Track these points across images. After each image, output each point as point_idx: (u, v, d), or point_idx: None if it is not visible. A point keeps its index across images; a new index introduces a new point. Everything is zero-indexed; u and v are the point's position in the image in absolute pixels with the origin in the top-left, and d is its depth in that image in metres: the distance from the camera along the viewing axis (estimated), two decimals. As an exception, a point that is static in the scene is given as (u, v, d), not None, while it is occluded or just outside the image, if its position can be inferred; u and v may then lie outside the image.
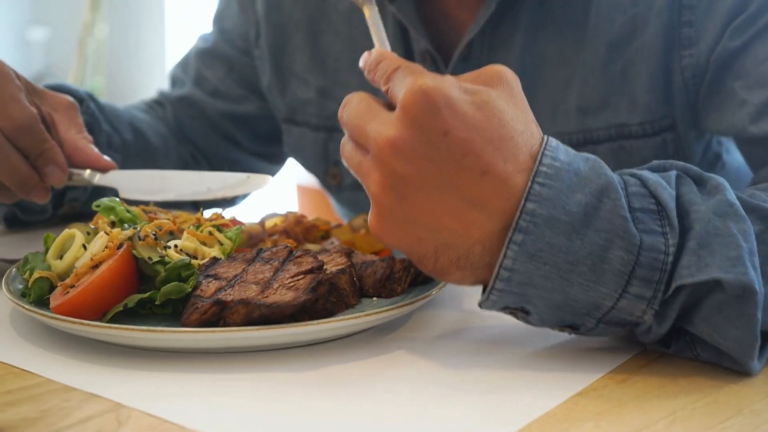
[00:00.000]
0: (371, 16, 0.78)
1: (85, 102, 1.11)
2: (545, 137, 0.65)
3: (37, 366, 0.67)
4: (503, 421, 0.58)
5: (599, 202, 0.63)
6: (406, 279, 0.79)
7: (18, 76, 0.90)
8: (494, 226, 0.63)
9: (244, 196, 0.90)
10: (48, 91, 0.96)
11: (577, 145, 1.03)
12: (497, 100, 0.64)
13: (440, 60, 1.06)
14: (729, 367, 0.66)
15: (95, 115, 1.12)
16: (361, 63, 0.72)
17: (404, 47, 1.09)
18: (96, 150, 0.95)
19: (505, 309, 0.67)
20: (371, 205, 0.66)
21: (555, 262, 0.63)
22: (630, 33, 0.99)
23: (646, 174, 0.67)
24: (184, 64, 1.35)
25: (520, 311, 0.66)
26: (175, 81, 1.35)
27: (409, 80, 0.63)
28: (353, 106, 0.67)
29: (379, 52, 0.71)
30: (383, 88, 0.68)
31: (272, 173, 1.36)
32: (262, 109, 1.28)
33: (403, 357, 0.70)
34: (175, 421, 0.58)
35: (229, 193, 0.90)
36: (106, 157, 0.95)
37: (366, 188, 0.66)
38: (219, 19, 1.32)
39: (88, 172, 0.94)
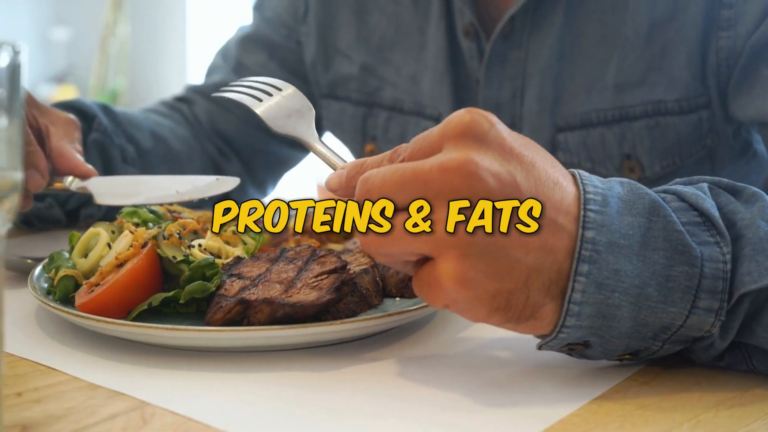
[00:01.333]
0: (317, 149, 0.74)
1: (97, 119, 1.12)
2: (572, 170, 0.63)
3: (63, 364, 0.67)
4: (526, 423, 0.58)
5: (650, 221, 0.61)
6: None
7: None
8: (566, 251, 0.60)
9: (215, 197, 0.90)
10: (51, 108, 0.97)
11: (612, 122, 1.03)
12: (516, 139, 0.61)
13: (483, 35, 1.07)
14: None
15: (107, 131, 1.13)
16: (328, 184, 0.67)
17: (447, 23, 1.10)
18: (79, 158, 0.95)
19: (566, 347, 0.64)
20: (444, 259, 0.58)
21: (623, 289, 0.60)
22: (672, 12, 1.01)
23: (680, 188, 0.65)
24: (223, 53, 1.35)
25: (580, 346, 0.64)
26: (212, 70, 1.35)
27: (443, 124, 0.60)
28: (382, 171, 0.60)
29: (350, 164, 0.66)
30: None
31: (300, 160, 1.37)
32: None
33: (424, 358, 0.70)
34: (199, 420, 0.58)
35: (196, 195, 0.90)
36: (88, 166, 0.95)
37: (443, 231, 0.58)
38: (259, 6, 1.33)
39: (68, 179, 0.95)
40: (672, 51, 1.01)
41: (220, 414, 0.59)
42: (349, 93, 1.21)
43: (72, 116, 0.98)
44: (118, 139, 1.15)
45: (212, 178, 0.92)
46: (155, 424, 0.58)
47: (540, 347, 0.64)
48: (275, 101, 0.78)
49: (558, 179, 0.61)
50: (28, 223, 1.11)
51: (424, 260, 0.60)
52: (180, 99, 1.35)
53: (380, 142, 1.18)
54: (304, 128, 0.76)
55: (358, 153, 1.24)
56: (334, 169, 0.69)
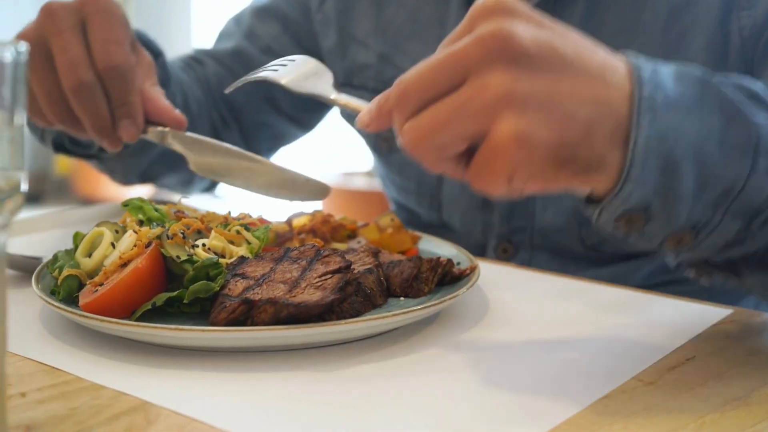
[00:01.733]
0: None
1: (160, 58, 1.10)
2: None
3: (67, 363, 0.67)
4: (531, 423, 0.58)
5: (702, 90, 0.62)
6: (433, 279, 0.80)
7: (128, 24, 0.90)
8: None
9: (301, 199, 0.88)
10: (141, 48, 0.96)
11: None
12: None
13: None
14: None
15: (167, 71, 1.12)
16: (361, 122, 0.66)
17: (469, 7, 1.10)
18: (167, 102, 0.94)
19: (623, 217, 0.63)
20: (500, 122, 0.57)
21: (684, 144, 0.61)
22: None
23: (724, 77, 0.67)
24: (237, 20, 1.33)
25: (640, 217, 0.63)
26: (223, 35, 1.33)
27: (468, 14, 0.60)
28: (415, 68, 0.60)
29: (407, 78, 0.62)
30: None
31: (297, 137, 1.35)
32: None
33: (429, 358, 0.70)
34: (203, 420, 0.58)
35: (296, 198, 0.88)
36: (177, 112, 0.93)
37: (492, 95, 0.57)
38: None
39: (160, 128, 0.93)
40: (690, 35, 1.00)
41: (224, 414, 0.59)
42: (366, 81, 1.20)
43: (149, 57, 0.97)
44: (172, 85, 1.13)
45: (304, 177, 0.88)
46: (159, 425, 0.57)
47: (599, 215, 0.64)
48: (292, 67, 0.80)
49: (595, 46, 0.61)
50: (58, 145, 1.09)
51: (472, 152, 0.59)
52: (192, 58, 1.32)
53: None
54: (324, 86, 0.78)
55: (372, 142, 1.24)
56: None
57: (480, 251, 1.13)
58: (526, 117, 0.57)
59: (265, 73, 0.80)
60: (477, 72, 0.57)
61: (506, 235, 1.10)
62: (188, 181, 1.28)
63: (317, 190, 0.88)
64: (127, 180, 1.24)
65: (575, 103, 0.58)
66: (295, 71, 0.79)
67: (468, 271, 0.82)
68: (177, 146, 0.92)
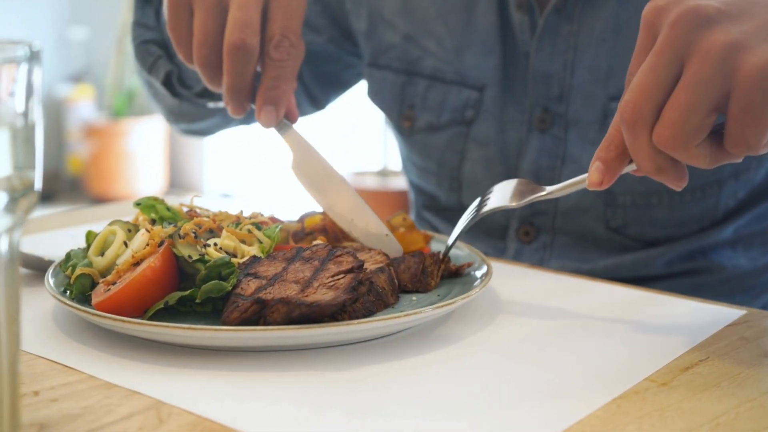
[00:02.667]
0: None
1: None
2: None
3: (79, 362, 0.67)
4: (544, 424, 0.58)
5: None
6: (438, 273, 0.82)
7: (304, 12, 0.91)
8: None
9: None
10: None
11: None
12: None
13: (537, 8, 1.06)
14: None
15: None
16: (592, 184, 0.72)
17: None
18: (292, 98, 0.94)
19: None
20: (744, 58, 0.62)
21: None
22: None
23: None
24: None
25: None
26: None
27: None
28: (630, 88, 0.66)
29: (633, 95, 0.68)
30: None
31: (307, 114, 1.33)
32: (333, 44, 1.25)
33: (441, 357, 0.70)
34: (215, 419, 0.58)
35: (368, 243, 0.88)
36: (294, 104, 0.94)
37: (717, 52, 0.62)
38: None
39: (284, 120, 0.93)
40: None
41: (236, 413, 0.59)
42: (390, 61, 1.20)
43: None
44: None
45: (384, 231, 0.88)
46: (171, 424, 0.57)
47: None
48: None
49: None
50: (168, 83, 1.09)
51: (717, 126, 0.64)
52: None
53: (418, 110, 1.17)
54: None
55: (395, 120, 1.23)
56: None
57: (501, 234, 1.13)
58: (757, 51, 0.61)
59: None
60: (689, 48, 0.63)
61: (528, 217, 1.10)
62: (219, 128, 1.29)
63: (390, 248, 0.87)
64: (187, 124, 1.25)
65: None
66: None
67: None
68: (289, 142, 0.92)
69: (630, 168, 0.70)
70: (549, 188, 0.77)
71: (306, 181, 0.90)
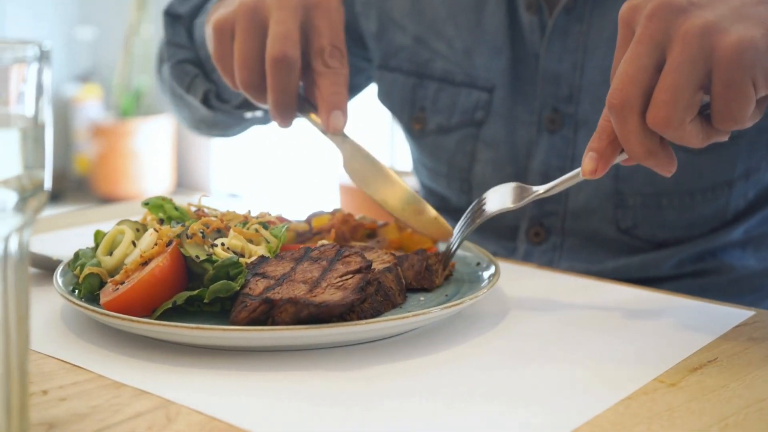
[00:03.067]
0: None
1: None
2: None
3: (88, 362, 0.67)
4: (552, 424, 0.58)
5: None
6: (442, 271, 0.82)
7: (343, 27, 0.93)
8: None
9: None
10: None
11: None
12: None
13: (546, 9, 1.06)
14: None
15: None
16: (586, 172, 0.74)
17: None
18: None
19: None
20: (719, 40, 0.66)
21: None
22: None
23: None
24: None
25: None
26: None
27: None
28: (616, 79, 0.70)
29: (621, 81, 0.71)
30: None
31: (363, 89, 1.33)
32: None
33: (449, 357, 0.70)
34: (223, 419, 0.58)
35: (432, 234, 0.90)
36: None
37: (696, 35, 0.66)
38: None
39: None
40: None
41: (244, 413, 0.59)
42: (401, 63, 1.20)
43: None
44: None
45: (434, 214, 0.90)
46: (180, 423, 0.58)
47: None
48: None
49: None
50: (206, 100, 1.09)
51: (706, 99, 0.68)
52: None
53: (428, 112, 1.17)
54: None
55: (405, 123, 1.23)
56: None
57: (511, 235, 1.12)
58: (732, 29, 0.65)
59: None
60: (669, 35, 0.67)
61: (537, 218, 1.10)
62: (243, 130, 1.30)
63: (441, 231, 0.90)
64: (219, 131, 1.26)
65: (752, 8, 0.67)
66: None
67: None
68: (337, 142, 0.93)
69: (621, 158, 0.73)
70: (544, 186, 0.79)
71: (357, 177, 0.92)
